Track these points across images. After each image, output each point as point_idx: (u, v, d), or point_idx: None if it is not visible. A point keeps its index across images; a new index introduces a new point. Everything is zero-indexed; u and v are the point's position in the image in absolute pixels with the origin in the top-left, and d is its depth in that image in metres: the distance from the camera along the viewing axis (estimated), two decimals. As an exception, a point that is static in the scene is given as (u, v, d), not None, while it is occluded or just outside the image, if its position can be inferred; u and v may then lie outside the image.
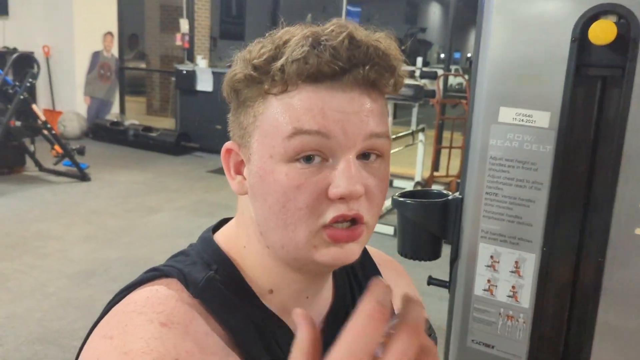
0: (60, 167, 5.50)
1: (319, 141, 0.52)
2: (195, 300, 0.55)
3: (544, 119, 0.87)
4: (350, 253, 0.55)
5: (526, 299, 0.94)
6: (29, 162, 5.59)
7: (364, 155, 0.55)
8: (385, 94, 0.57)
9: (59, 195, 4.94)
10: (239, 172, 0.59)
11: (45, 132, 5.33)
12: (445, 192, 1.06)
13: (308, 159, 0.53)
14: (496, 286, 0.97)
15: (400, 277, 0.77)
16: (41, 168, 5.55)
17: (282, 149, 0.53)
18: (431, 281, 1.11)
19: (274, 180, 0.53)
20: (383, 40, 0.55)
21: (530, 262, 0.93)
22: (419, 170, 5.37)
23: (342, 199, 0.53)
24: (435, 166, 5.54)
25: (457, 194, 1.01)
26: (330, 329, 0.64)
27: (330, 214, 0.53)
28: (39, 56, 7.64)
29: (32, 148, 5.52)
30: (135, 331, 0.51)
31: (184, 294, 0.56)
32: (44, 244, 3.73)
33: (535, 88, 0.87)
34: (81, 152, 5.47)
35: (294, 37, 0.53)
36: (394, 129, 5.02)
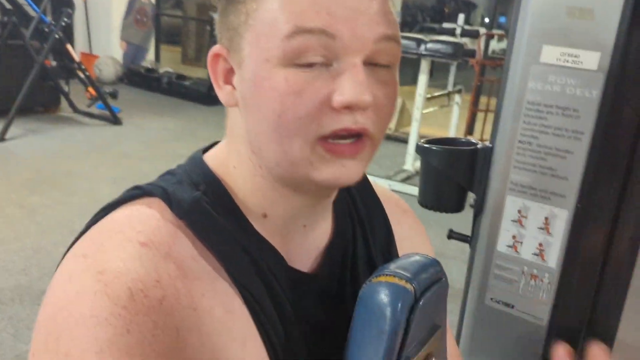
0: (94, 110, 5.55)
1: (324, 42, 0.46)
2: (180, 222, 0.50)
3: (593, 60, 0.78)
4: (352, 171, 0.49)
5: (553, 258, 0.87)
6: (64, 103, 5.65)
7: (372, 62, 0.48)
8: None
9: (90, 136, 5.00)
10: (228, 81, 0.52)
11: (80, 73, 5.35)
12: (474, 141, 0.98)
13: (310, 62, 0.46)
14: (521, 243, 0.90)
15: (405, 216, 0.71)
16: (75, 109, 5.61)
17: (281, 51, 0.46)
18: (452, 235, 1.04)
19: (270, 86, 0.47)
20: None
21: (562, 219, 0.85)
22: (452, 133, 5.24)
23: (348, 108, 0.46)
24: (470, 130, 5.39)
25: (487, 143, 0.94)
26: (327, 264, 0.59)
27: (331, 125, 0.47)
28: (77, -2, 7.64)
29: (66, 89, 5.57)
30: (112, 250, 0.47)
31: (168, 214, 0.50)
32: (73, 182, 3.79)
33: (586, 24, 0.78)
34: (114, 95, 5.50)
35: None
36: (430, 90, 4.87)
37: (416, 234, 0.72)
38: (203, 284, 0.49)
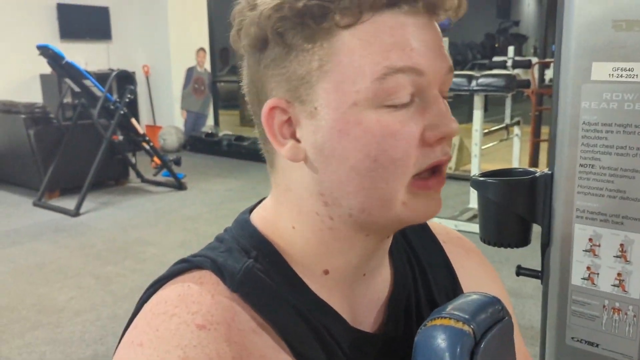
0: (160, 178, 5.79)
1: (412, 79, 0.45)
2: (235, 295, 0.47)
3: (649, 71, 0.73)
4: (438, 204, 0.49)
5: (636, 288, 0.80)
6: (132, 174, 5.94)
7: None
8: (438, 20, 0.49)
9: (158, 204, 5.19)
10: (287, 135, 0.49)
11: (144, 144, 5.63)
12: (532, 169, 0.93)
13: (403, 103, 0.45)
14: (598, 274, 0.83)
15: (469, 256, 0.67)
16: (143, 179, 5.88)
17: (371, 93, 0.44)
18: (520, 271, 0.98)
19: (362, 131, 0.45)
20: None
21: (639, 245, 0.78)
22: (516, 165, 5.07)
23: (441, 139, 0.46)
24: (534, 161, 5.21)
25: (546, 170, 0.89)
26: (392, 319, 0.55)
27: (426, 161, 0.46)
28: (140, 75, 8.15)
29: (134, 161, 5.87)
30: (169, 338, 0.44)
31: (221, 287, 0.48)
32: (143, 249, 3.91)
33: (636, 36, 0.73)
34: (177, 162, 5.72)
35: None
36: (486, 125, 4.77)
37: (483, 274, 0.68)
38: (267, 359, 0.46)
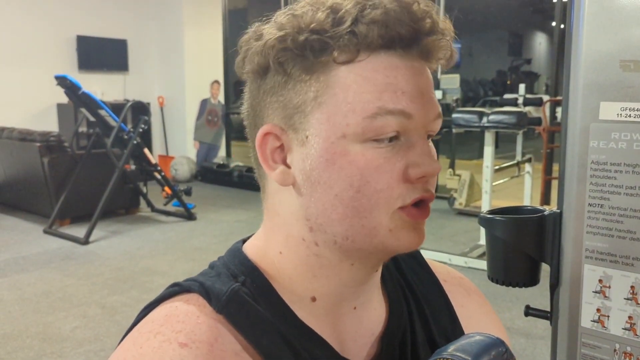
0: (170, 208, 5.81)
1: (400, 121, 0.47)
2: (220, 316, 0.49)
3: (658, 112, 0.72)
4: (423, 234, 0.51)
5: (648, 332, 0.78)
6: (143, 203, 5.97)
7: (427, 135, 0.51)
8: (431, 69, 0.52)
9: (167, 233, 5.20)
10: (278, 160, 0.51)
11: (156, 174, 5.67)
12: (540, 207, 0.92)
13: (388, 138, 0.48)
14: (608, 316, 0.81)
15: (470, 297, 0.66)
16: (153, 209, 5.90)
17: (361, 129, 0.47)
18: (529, 311, 0.96)
19: (348, 162, 0.47)
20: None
21: (651, 287, 0.76)
22: (527, 203, 5.04)
23: (422, 178, 0.48)
24: (545, 199, 5.17)
25: (555, 209, 0.88)
26: (385, 352, 0.54)
27: (410, 196, 0.48)
28: (155, 106, 8.28)
29: (145, 190, 5.91)
30: (151, 354, 0.46)
31: (207, 309, 0.49)
32: (150, 279, 3.90)
33: (644, 76, 0.73)
34: (188, 193, 5.75)
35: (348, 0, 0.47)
36: (497, 162, 4.76)
37: (484, 316, 0.67)
38: None
